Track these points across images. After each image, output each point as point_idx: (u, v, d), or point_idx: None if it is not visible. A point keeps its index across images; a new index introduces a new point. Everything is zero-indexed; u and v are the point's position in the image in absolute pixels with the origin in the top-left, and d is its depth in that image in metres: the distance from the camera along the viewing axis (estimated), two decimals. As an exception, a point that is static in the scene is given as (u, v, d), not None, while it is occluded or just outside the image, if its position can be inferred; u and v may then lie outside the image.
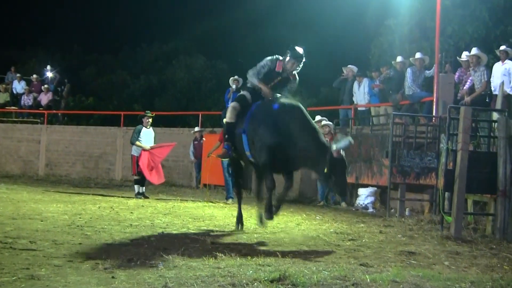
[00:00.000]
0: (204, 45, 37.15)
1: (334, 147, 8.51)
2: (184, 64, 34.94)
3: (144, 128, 15.76)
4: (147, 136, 15.84)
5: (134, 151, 15.76)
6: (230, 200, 14.94)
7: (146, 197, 15.38)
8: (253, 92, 9.45)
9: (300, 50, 9.42)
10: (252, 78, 9.39)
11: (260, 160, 9.02)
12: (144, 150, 15.51)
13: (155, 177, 15.77)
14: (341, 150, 8.69)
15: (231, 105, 9.32)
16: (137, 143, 15.61)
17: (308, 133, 8.74)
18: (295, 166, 9.40)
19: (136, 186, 15.88)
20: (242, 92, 9.55)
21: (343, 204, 15.35)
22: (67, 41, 39.90)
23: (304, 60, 9.45)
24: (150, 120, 16.04)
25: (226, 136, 9.28)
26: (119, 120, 23.69)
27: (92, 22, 40.80)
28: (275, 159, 8.89)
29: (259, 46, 33.53)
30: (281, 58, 9.42)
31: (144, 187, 15.85)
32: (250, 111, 9.20)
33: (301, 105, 9.09)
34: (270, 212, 8.92)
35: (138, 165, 15.50)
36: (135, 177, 15.93)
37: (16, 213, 10.36)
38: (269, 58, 9.42)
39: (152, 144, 15.95)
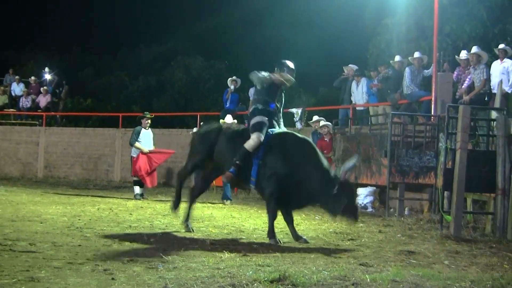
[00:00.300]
0: (202, 45, 37.14)
1: (340, 170, 8.56)
2: (183, 64, 34.93)
3: (143, 129, 15.81)
4: (146, 137, 15.91)
5: (134, 153, 15.82)
6: (228, 202, 14.95)
7: (145, 198, 15.41)
8: (266, 114, 9.22)
9: (291, 63, 9.49)
10: (263, 73, 9.20)
11: (268, 190, 8.83)
12: (142, 153, 15.55)
13: (149, 180, 15.78)
14: (347, 173, 8.61)
15: (257, 136, 8.90)
16: (136, 144, 15.68)
17: (319, 169, 8.72)
18: (302, 202, 9.14)
19: (135, 187, 15.93)
20: (259, 119, 9.08)
21: (343, 204, 15.35)
22: (65, 42, 39.89)
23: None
24: (149, 121, 16.11)
25: (238, 162, 8.94)
26: (118, 121, 23.68)
27: (90, 23, 40.82)
28: (284, 191, 8.78)
29: (258, 46, 33.62)
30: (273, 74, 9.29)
31: (143, 188, 15.91)
32: (266, 138, 9.01)
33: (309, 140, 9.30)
34: (275, 237, 8.71)
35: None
36: (135, 178, 16.00)
37: (15, 215, 10.36)
38: (265, 73, 9.24)
39: (151, 145, 16.07)
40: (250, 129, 9.09)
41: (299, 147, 8.97)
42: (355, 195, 9.09)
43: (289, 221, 9.08)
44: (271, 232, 8.74)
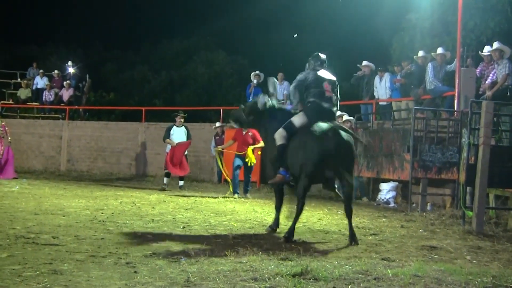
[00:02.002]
0: (225, 40, 37.19)
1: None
2: (205, 59, 35.00)
3: (175, 126, 16.99)
4: (178, 134, 16.92)
5: (167, 148, 17.07)
6: (236, 195, 14.96)
7: (182, 189, 16.71)
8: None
9: (323, 55, 9.24)
10: (293, 97, 9.04)
11: (297, 185, 8.58)
12: (172, 146, 16.75)
13: (178, 170, 16.86)
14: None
15: (282, 130, 8.73)
16: (167, 140, 16.89)
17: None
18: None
19: (165, 179, 17.04)
20: (294, 119, 8.84)
21: (365, 199, 15.37)
22: (88, 37, 40.15)
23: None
24: (182, 119, 17.21)
25: (278, 161, 8.76)
26: (141, 115, 23.77)
27: (113, 18, 40.97)
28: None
29: (280, 40, 33.57)
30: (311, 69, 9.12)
31: (181, 181, 17.21)
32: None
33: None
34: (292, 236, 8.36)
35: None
36: (166, 171, 17.07)
37: (39, 209, 10.44)
38: (306, 72, 9.10)
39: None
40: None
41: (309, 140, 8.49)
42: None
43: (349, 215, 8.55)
44: (291, 231, 8.29)
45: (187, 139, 17.02)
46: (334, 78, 9.03)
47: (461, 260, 7.01)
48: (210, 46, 36.76)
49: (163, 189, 16.53)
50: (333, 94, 8.94)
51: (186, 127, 17.19)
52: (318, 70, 9.00)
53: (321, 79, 8.89)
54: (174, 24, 41.15)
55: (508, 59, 13.42)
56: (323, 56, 9.20)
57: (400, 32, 22.53)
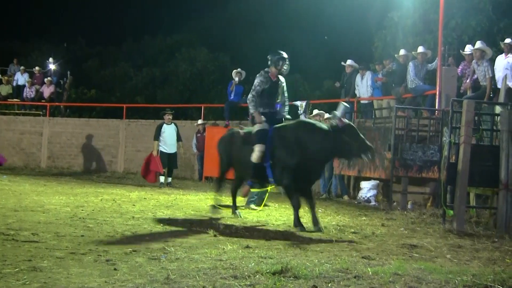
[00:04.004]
0: (207, 37, 37.10)
1: (335, 118, 9.20)
2: (187, 56, 34.91)
3: (165, 124, 17.26)
4: (169, 131, 17.30)
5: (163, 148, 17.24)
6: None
7: (171, 187, 16.96)
8: (268, 117, 9.78)
9: (283, 52, 9.96)
10: (251, 107, 9.74)
11: (283, 182, 9.42)
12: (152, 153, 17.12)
13: (150, 177, 17.09)
14: (343, 117, 9.29)
15: (259, 149, 9.39)
16: (155, 144, 17.27)
17: (319, 136, 9.25)
18: (320, 171, 10.23)
19: (161, 177, 17.22)
20: (260, 127, 9.55)
21: (345, 197, 15.40)
22: (70, 33, 39.91)
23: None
24: (170, 116, 17.47)
25: (251, 174, 9.67)
26: (122, 112, 23.69)
27: (95, 14, 40.80)
28: (300, 176, 9.30)
29: (263, 38, 33.54)
30: (268, 69, 9.92)
31: (169, 178, 17.44)
32: (268, 140, 9.51)
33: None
34: (302, 225, 9.27)
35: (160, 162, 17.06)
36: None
37: (18, 205, 10.39)
38: (259, 74, 9.86)
39: (175, 139, 17.48)
40: (253, 138, 9.57)
41: (296, 130, 9.45)
42: (358, 133, 9.33)
43: (312, 206, 9.43)
44: (297, 221, 9.28)
45: (177, 136, 17.44)
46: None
47: (441, 258, 7.03)
48: (193, 43, 36.68)
49: (161, 187, 16.76)
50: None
51: (175, 124, 17.55)
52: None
53: None
54: (156, 21, 41.03)
55: (488, 61, 13.48)
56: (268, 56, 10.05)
57: (382, 30, 22.60)
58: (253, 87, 9.77)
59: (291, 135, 9.39)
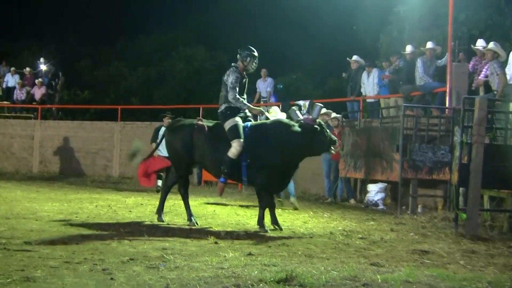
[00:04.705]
0: (204, 35, 37.05)
1: (310, 116, 9.94)
2: (184, 55, 34.87)
3: (163, 127, 16.85)
4: None
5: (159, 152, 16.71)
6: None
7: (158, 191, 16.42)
8: (237, 112, 9.99)
9: (254, 49, 10.23)
10: (241, 104, 9.91)
11: (258, 181, 9.82)
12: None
13: (146, 181, 16.43)
14: (317, 117, 9.97)
15: (238, 144, 9.60)
16: (153, 146, 16.66)
17: (293, 137, 9.74)
18: (292, 172, 10.45)
19: (159, 181, 17.05)
20: (233, 123, 9.77)
21: (352, 201, 15.38)
22: (61, 31, 39.83)
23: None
24: (170, 120, 17.03)
25: (226, 171, 9.71)
26: (117, 114, 23.65)
27: (87, 12, 40.72)
28: (275, 176, 9.86)
29: (263, 35, 33.49)
30: (236, 64, 10.15)
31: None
32: (244, 137, 9.78)
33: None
34: (264, 226, 9.73)
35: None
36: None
37: (10, 213, 10.38)
38: (232, 70, 10.00)
39: None
40: (228, 135, 9.72)
41: (274, 130, 9.88)
42: (326, 130, 10.01)
43: (273, 205, 10.06)
44: (261, 222, 9.72)
45: None
46: (225, 76, 10.06)
47: (454, 265, 7.02)
48: (189, 41, 36.62)
49: (159, 191, 16.53)
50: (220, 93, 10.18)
51: None
52: None
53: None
54: (151, 18, 40.91)
55: (498, 62, 13.40)
56: (238, 50, 10.29)
57: (387, 25, 22.55)
58: (231, 85, 9.85)
59: (269, 134, 9.80)
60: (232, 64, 10.14)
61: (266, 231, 9.44)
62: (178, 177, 10.46)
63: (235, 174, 9.86)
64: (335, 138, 10.12)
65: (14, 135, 23.80)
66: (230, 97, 9.83)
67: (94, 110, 30.20)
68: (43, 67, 26.10)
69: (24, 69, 26.19)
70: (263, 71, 20.50)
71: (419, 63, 15.21)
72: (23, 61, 31.14)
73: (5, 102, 25.64)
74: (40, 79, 25.05)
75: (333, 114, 15.83)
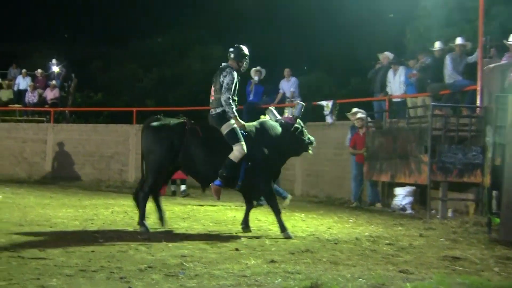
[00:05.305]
0: (221, 33, 37.09)
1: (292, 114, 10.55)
2: (200, 55, 34.96)
3: None
4: None
5: None
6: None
7: (186, 196, 17.18)
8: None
9: (245, 48, 10.39)
10: (230, 110, 9.85)
11: (261, 187, 10.00)
12: None
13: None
14: (299, 117, 10.38)
15: (241, 147, 9.62)
16: None
17: (281, 136, 10.15)
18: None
19: (172, 186, 17.54)
20: (233, 125, 9.81)
21: (378, 205, 15.33)
22: (73, 32, 40.07)
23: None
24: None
25: (225, 175, 9.64)
26: (131, 117, 23.74)
27: (99, 11, 40.90)
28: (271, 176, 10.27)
29: (283, 32, 33.51)
30: (229, 63, 10.23)
31: (183, 186, 17.60)
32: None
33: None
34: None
35: None
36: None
37: (23, 220, 10.44)
38: (229, 71, 9.99)
39: None
40: (228, 139, 9.71)
41: (266, 131, 10.13)
42: (304, 129, 10.50)
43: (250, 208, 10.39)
44: (283, 226, 9.74)
45: None
46: (219, 77, 10.02)
47: (488, 272, 6.98)
48: (206, 40, 36.70)
49: (174, 193, 17.25)
50: (215, 96, 10.08)
51: None
52: (216, 71, 10.30)
53: (212, 83, 10.25)
54: (165, 17, 41.01)
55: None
56: (230, 49, 10.43)
57: (414, 21, 22.50)
58: (227, 87, 9.80)
59: (264, 136, 10.05)
60: (224, 64, 10.17)
61: (291, 237, 9.45)
62: (150, 183, 9.93)
63: (231, 178, 9.80)
64: (313, 138, 10.55)
65: (26, 139, 23.91)
66: (223, 98, 9.75)
67: (108, 112, 30.33)
68: (55, 69, 26.17)
69: (36, 71, 26.27)
70: (286, 71, 20.47)
71: (448, 60, 15.13)
72: (34, 63, 31.33)
73: (16, 105, 25.73)
74: (53, 81, 25.13)
75: (359, 114, 15.81)
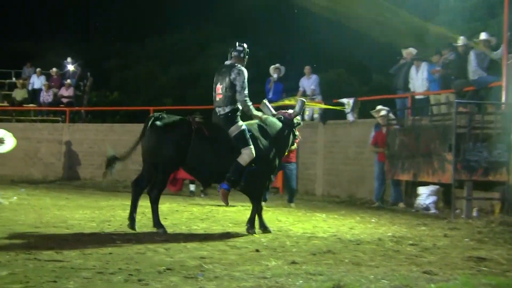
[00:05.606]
0: (240, 30, 37.10)
1: (294, 112, 10.54)
2: (218, 52, 34.96)
3: None
4: None
5: None
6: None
7: (205, 196, 17.21)
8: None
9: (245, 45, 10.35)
10: (248, 108, 9.87)
11: (257, 186, 10.14)
12: None
13: (170, 186, 16.60)
14: (300, 113, 10.73)
15: (250, 151, 9.64)
16: None
17: (281, 134, 10.33)
18: None
19: (191, 186, 17.71)
20: (242, 127, 9.79)
21: (401, 205, 15.29)
22: (88, 30, 40.20)
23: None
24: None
25: (233, 179, 9.64)
26: (149, 116, 23.76)
27: (114, 8, 40.98)
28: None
29: (302, 29, 33.47)
30: (234, 61, 10.20)
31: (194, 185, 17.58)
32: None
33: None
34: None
35: None
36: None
37: (39, 221, 10.51)
38: (240, 69, 9.95)
39: None
40: (236, 142, 9.67)
41: (269, 130, 10.17)
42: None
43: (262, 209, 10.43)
44: (253, 223, 10.04)
45: None
46: (229, 76, 9.89)
47: (514, 272, 6.97)
48: (224, 38, 36.70)
49: (192, 194, 17.35)
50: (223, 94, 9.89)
51: None
52: (220, 69, 10.23)
53: (216, 82, 10.11)
54: (183, 14, 41.05)
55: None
56: (239, 47, 10.34)
57: (437, 16, 22.41)
58: (243, 86, 9.77)
59: (267, 134, 10.09)
60: (230, 62, 10.15)
61: (255, 233, 9.77)
62: (159, 182, 10.08)
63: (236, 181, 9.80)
64: (298, 133, 10.80)
65: (41, 139, 24.05)
66: (241, 97, 9.69)
67: (125, 112, 30.43)
68: (70, 68, 26.26)
69: (51, 70, 26.35)
70: (307, 68, 20.47)
71: (472, 55, 15.08)
72: (49, 61, 31.46)
73: (31, 105, 25.87)
74: (68, 80, 25.22)
75: (383, 112, 15.80)
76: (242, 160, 9.56)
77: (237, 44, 10.29)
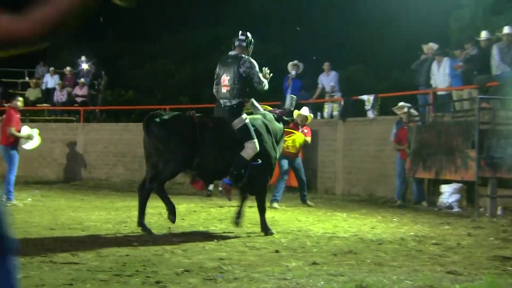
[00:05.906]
0: (256, 26, 37.10)
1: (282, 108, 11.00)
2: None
3: None
4: None
5: None
6: (275, 204, 14.58)
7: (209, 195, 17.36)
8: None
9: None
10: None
11: (261, 181, 10.11)
12: None
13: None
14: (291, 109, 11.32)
15: (254, 145, 9.64)
16: None
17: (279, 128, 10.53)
18: None
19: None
20: (245, 121, 9.78)
21: (423, 204, 15.24)
22: (102, 27, 40.26)
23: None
24: None
25: (236, 173, 9.59)
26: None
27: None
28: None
29: (321, 25, 33.43)
30: (240, 51, 10.05)
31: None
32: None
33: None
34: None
35: None
36: None
37: (54, 223, 10.56)
38: (250, 60, 9.90)
39: None
40: (240, 135, 9.65)
41: (271, 126, 10.27)
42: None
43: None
44: (266, 226, 9.97)
45: None
46: (238, 67, 9.75)
47: (541, 272, 6.93)
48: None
49: (209, 195, 17.40)
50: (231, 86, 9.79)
51: None
52: (225, 59, 10.04)
53: (219, 73, 9.97)
54: (198, 11, 41.12)
55: None
56: (241, 37, 10.18)
57: (458, 9, 22.32)
58: (260, 76, 9.88)
59: (268, 130, 10.16)
60: (235, 53, 10.00)
61: (273, 233, 9.77)
62: (164, 177, 9.83)
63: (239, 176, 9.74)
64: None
65: (55, 139, 24.09)
66: (260, 87, 9.86)
67: (140, 111, 30.42)
68: (84, 66, 26.33)
69: (64, 69, 26.45)
70: (326, 65, 20.47)
71: (495, 50, 15.01)
72: (62, 60, 31.56)
73: (44, 105, 25.96)
74: (82, 79, 25.29)
75: (406, 109, 15.76)
76: (246, 154, 9.57)
77: (240, 33, 10.20)
